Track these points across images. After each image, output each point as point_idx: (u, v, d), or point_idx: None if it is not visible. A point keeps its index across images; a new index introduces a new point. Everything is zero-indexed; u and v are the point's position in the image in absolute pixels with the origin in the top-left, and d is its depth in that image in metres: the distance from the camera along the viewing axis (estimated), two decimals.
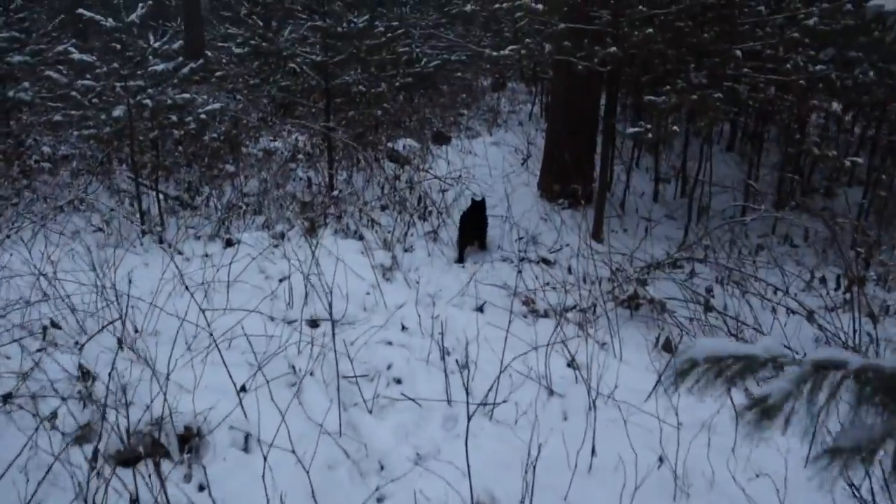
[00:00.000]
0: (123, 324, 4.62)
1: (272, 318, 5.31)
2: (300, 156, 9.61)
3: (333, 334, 4.32)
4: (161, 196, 7.77)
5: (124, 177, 8.12)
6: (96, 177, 8.12)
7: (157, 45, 6.99)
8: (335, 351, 4.34)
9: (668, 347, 5.24)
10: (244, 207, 7.27)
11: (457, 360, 4.82)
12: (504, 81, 16.63)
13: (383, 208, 7.84)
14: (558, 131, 7.89)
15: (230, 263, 5.83)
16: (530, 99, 16.65)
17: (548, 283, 6.23)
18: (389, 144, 10.28)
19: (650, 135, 5.91)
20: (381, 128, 11.11)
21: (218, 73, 8.43)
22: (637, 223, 7.97)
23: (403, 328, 5.41)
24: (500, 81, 16.40)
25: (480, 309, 5.76)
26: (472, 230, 7.02)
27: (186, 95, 6.62)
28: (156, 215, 7.29)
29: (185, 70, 6.85)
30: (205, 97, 9.82)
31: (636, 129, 6.01)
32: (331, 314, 4.70)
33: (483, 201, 7.10)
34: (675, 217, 8.31)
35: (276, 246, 6.58)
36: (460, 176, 8.69)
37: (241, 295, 5.68)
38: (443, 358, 4.71)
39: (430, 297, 6.01)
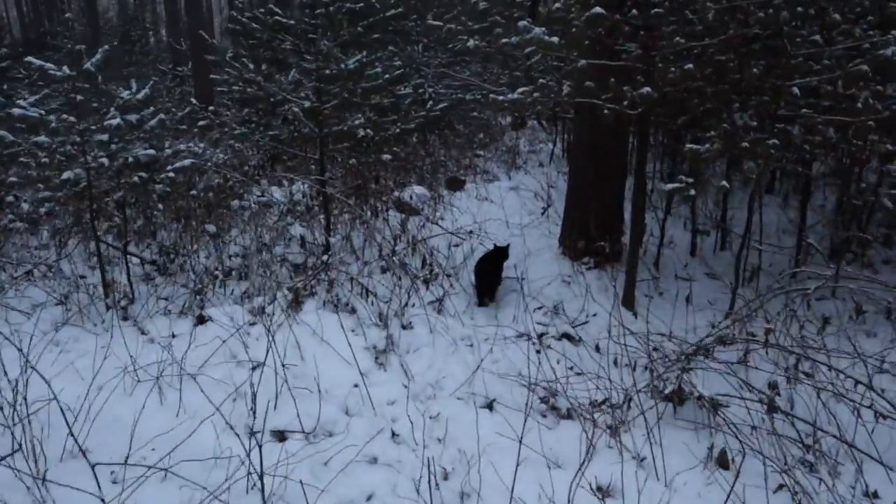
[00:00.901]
0: (34, 454, 3.59)
1: (231, 427, 4.23)
2: (300, 208, 8.62)
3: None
4: (137, 261, 6.81)
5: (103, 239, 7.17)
6: (61, 241, 7.18)
7: (125, 94, 6.07)
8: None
9: (725, 463, 4.09)
10: (220, 276, 6.25)
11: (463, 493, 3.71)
12: (524, 120, 15.61)
13: (384, 271, 6.78)
14: (582, 179, 6.81)
15: (184, 355, 4.81)
16: (551, 138, 15.63)
17: (572, 368, 5.10)
18: (396, 193, 9.26)
19: (692, 191, 4.80)
20: (388, 174, 10.11)
21: (200, 123, 7.53)
22: (675, 286, 6.81)
23: (394, 435, 4.32)
24: (519, 120, 15.39)
25: (490, 406, 4.64)
26: (488, 279, 6.37)
27: (151, 152, 5.65)
28: (125, 285, 6.29)
29: (153, 122, 5.90)
30: (199, 149, 8.90)
31: (676, 185, 4.90)
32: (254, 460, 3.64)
33: (506, 249, 6.49)
34: (717, 276, 7.13)
35: (252, 324, 5.54)
36: (471, 232, 7.61)
37: (203, 390, 4.64)
38: (435, 488, 3.60)
39: (430, 388, 4.93)
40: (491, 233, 7.85)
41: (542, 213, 8.90)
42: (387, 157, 11.06)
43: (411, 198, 8.97)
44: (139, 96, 5.82)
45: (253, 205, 8.55)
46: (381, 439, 4.25)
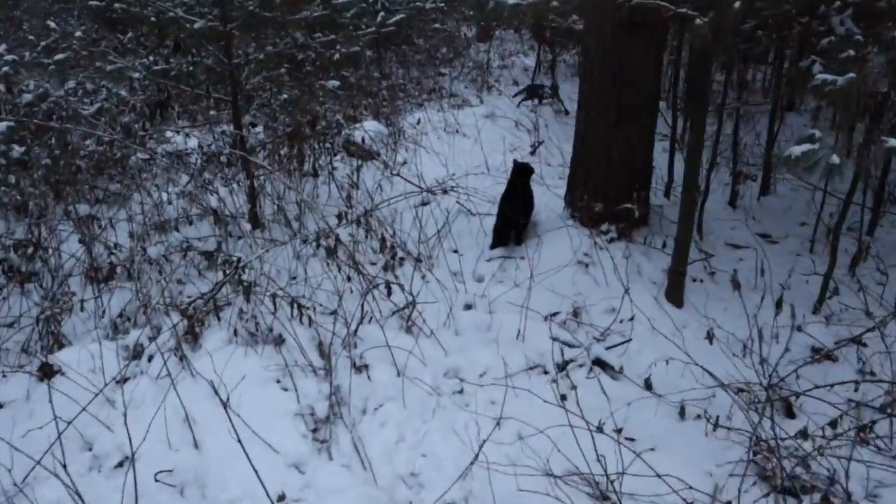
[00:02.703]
0: None
1: None
2: (222, 159, 6.27)
3: None
4: None
5: None
6: None
7: None
8: None
9: None
10: (75, 296, 4.02)
11: None
12: (491, 30, 13.12)
13: (329, 254, 4.61)
14: (601, 117, 4.63)
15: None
16: (522, 48, 13.16)
17: (620, 431, 3.13)
18: (346, 131, 6.97)
19: (834, 157, 2.71)
20: (335, 106, 7.81)
21: (57, 57, 5.01)
22: (727, 259, 4.78)
23: None
24: (486, 30, 12.92)
25: None
26: (514, 214, 4.77)
27: None
28: None
29: None
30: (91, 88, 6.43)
31: (807, 148, 2.79)
32: None
33: (526, 167, 4.93)
34: (773, 237, 5.13)
35: (121, 382, 3.41)
36: (447, 191, 5.45)
37: None
38: None
39: (403, 487, 2.95)
40: (471, 187, 5.69)
41: (532, 152, 6.73)
42: (333, 83, 8.66)
43: (363, 141, 6.70)
44: None
45: (161, 160, 6.20)
46: None
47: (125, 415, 3.06)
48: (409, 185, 5.73)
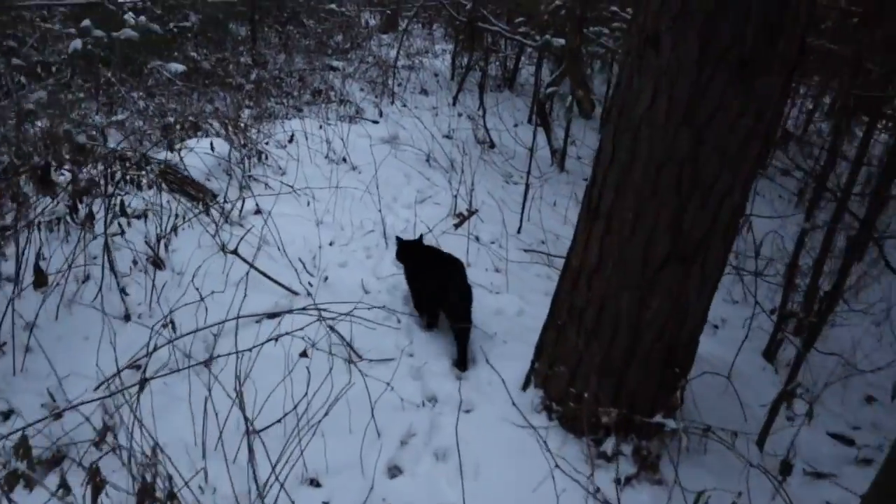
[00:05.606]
0: None
1: None
2: None
3: None
4: None
5: None
6: None
7: None
8: None
9: None
10: None
11: None
12: (396, 19, 10.35)
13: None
14: (635, 246, 2.06)
15: None
16: (431, 45, 10.48)
17: None
18: (169, 155, 4.05)
19: None
20: (172, 100, 4.93)
21: None
22: (802, 487, 2.43)
23: None
24: (392, 19, 10.15)
25: None
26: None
27: None
28: None
29: None
30: None
31: None
32: None
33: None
34: (858, 445, 2.85)
35: None
36: (324, 314, 2.75)
37: None
38: None
39: None
40: (335, 296, 3.03)
41: (458, 225, 4.11)
42: (175, 67, 5.66)
43: (186, 175, 3.84)
44: None
45: None
46: None
47: None
48: (254, 277, 3.00)
